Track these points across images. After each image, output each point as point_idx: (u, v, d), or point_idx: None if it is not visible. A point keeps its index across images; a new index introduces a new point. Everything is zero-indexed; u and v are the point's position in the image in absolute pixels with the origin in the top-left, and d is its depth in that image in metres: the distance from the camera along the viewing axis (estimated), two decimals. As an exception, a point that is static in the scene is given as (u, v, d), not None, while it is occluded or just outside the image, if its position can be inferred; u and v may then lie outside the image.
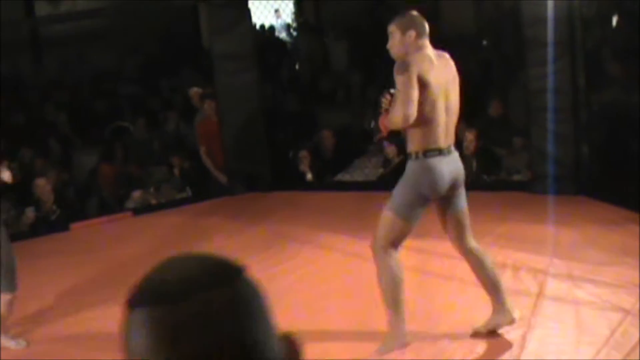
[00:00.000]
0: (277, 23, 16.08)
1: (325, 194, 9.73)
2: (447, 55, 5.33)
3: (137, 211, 9.97)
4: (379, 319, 5.50)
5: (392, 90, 5.19)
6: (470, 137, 9.36)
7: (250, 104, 10.09)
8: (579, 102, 8.84)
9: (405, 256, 7.19)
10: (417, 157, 5.22)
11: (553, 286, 6.22)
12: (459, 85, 5.33)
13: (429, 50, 5.21)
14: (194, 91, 11.50)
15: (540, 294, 6.08)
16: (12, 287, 6.10)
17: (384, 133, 5.41)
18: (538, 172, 8.99)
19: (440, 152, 5.21)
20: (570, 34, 8.69)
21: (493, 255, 6.97)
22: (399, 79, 5.03)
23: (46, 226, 9.66)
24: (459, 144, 9.46)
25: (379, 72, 12.36)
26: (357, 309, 6.18)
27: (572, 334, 5.43)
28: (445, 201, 5.38)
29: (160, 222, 9.46)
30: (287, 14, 16.22)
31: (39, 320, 6.76)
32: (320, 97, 12.44)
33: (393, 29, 5.22)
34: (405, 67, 5.02)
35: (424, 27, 5.21)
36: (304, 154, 10.10)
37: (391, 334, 5.36)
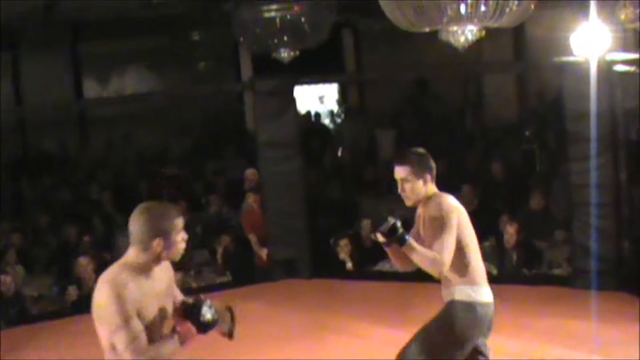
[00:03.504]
0: (321, 110, 16.22)
1: (365, 283, 9.71)
2: None
3: (177, 294, 9.96)
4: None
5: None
6: (511, 230, 9.33)
7: (294, 191, 10.16)
8: (621, 197, 8.84)
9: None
10: None
11: (593, 385, 6.15)
12: None
13: None
14: (251, 172, 11.43)
15: (579, 394, 6.02)
16: None
17: None
18: (579, 267, 8.94)
19: None
20: (612, 129, 8.72)
21: (532, 351, 6.96)
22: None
23: (88, 305, 9.68)
24: (499, 237, 9.54)
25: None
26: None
27: None
28: None
29: (200, 305, 9.45)
30: (332, 100, 16.39)
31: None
32: (363, 184, 12.47)
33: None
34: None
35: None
36: (344, 242, 10.12)
37: None
